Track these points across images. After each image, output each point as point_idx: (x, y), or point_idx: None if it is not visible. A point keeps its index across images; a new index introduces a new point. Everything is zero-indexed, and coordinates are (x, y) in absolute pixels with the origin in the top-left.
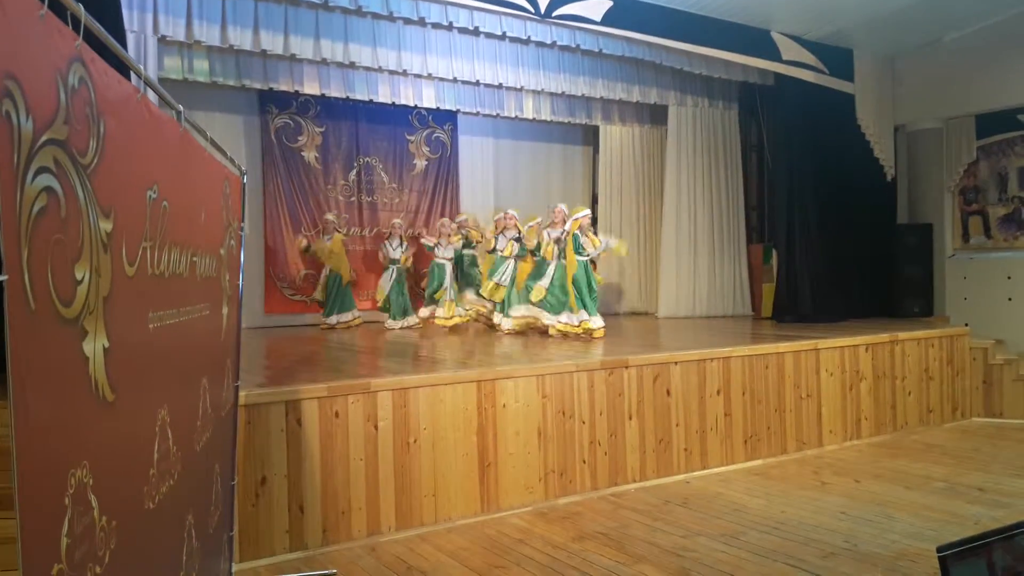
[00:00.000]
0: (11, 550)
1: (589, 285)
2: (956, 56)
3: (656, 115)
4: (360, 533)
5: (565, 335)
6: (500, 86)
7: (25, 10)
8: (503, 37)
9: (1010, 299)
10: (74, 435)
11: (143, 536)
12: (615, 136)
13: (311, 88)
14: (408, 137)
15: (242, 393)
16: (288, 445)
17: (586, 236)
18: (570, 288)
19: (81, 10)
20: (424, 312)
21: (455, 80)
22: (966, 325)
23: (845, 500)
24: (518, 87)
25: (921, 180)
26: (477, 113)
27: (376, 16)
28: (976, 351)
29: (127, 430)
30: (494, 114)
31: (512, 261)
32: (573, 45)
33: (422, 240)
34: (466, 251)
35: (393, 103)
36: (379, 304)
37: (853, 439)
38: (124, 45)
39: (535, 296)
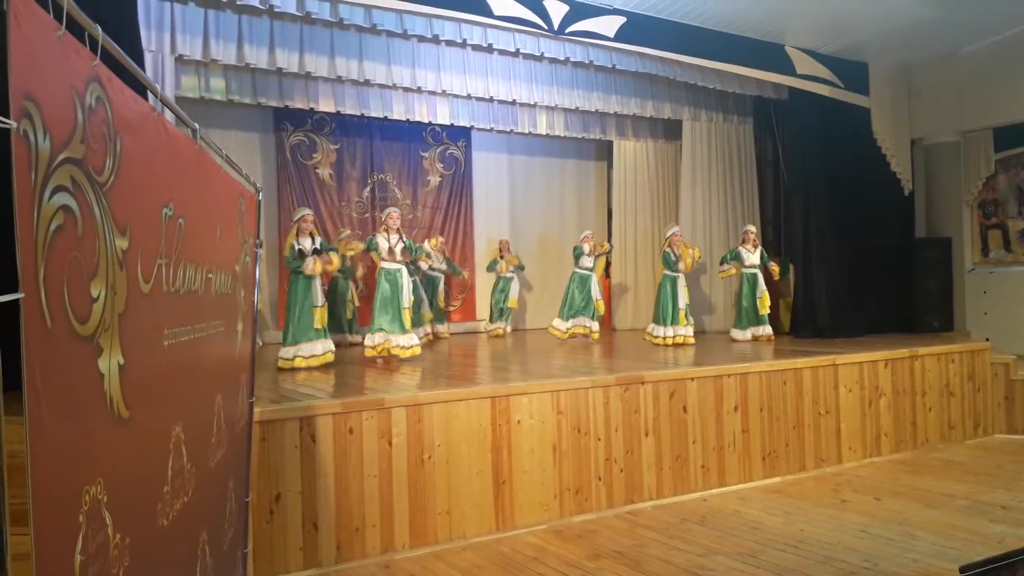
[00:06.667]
0: (26, 567)
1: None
2: (973, 69)
3: (670, 130)
4: (374, 550)
5: None
6: (514, 102)
7: (43, 30)
8: (517, 54)
9: None
10: (89, 452)
11: (157, 554)
12: (629, 151)
13: (326, 105)
14: (422, 154)
15: (256, 409)
16: (302, 462)
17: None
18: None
19: (98, 30)
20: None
21: (469, 97)
22: (987, 340)
23: (865, 518)
24: (532, 103)
25: (939, 194)
26: (491, 129)
27: (391, 34)
28: (997, 366)
29: (141, 447)
30: (508, 130)
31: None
32: (586, 61)
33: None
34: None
35: (407, 120)
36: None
37: (873, 456)
38: (141, 64)
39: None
